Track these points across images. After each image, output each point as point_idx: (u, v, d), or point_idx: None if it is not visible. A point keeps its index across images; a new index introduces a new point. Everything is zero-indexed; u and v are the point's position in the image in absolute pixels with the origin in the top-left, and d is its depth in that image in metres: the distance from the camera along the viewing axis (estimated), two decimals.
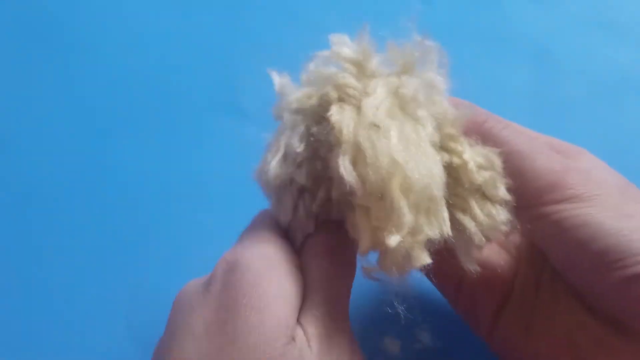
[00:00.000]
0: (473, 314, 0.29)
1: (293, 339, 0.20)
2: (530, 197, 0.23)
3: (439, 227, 0.22)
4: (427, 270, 0.25)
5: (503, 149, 0.23)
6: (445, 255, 0.24)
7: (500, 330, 0.27)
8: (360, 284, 0.32)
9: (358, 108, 0.23)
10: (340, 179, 0.21)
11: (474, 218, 0.23)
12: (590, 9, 0.45)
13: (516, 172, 0.23)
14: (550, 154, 0.24)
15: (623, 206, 0.22)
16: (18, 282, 0.35)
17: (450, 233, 0.22)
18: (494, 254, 0.28)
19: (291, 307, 0.21)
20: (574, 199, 0.22)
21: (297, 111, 0.24)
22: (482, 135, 0.24)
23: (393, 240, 0.21)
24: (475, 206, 0.23)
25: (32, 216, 0.38)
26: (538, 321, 0.26)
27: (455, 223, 0.23)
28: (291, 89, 0.25)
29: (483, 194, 0.24)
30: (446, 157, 0.23)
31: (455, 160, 0.23)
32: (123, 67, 0.44)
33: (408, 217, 0.21)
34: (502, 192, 0.23)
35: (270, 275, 0.21)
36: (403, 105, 0.23)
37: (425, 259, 0.22)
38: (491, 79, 0.42)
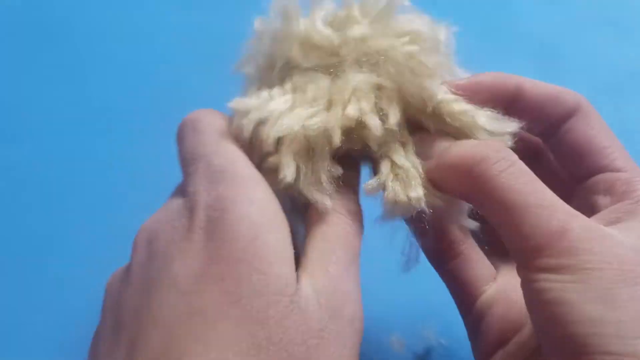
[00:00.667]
0: (474, 337, 0.26)
1: (299, 297, 0.18)
2: (518, 258, 0.20)
3: None
4: (419, 231, 0.25)
5: (494, 197, 0.20)
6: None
7: None
8: (367, 283, 0.33)
9: None
10: None
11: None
12: (596, 7, 0.45)
13: (509, 227, 0.20)
14: (551, 207, 0.20)
15: (616, 290, 0.18)
16: (18, 281, 0.36)
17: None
18: (517, 287, 0.25)
19: (291, 263, 0.19)
20: (559, 271, 0.19)
21: None
22: (473, 179, 0.21)
23: None
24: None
25: (36, 213, 0.38)
26: None
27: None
28: None
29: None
30: None
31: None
32: (125, 65, 0.44)
33: None
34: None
35: (268, 228, 0.19)
36: None
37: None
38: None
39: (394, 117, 0.22)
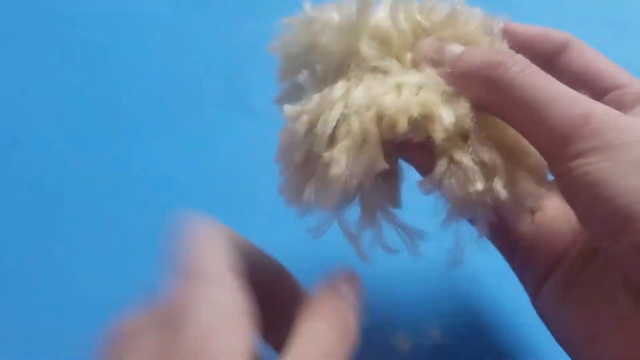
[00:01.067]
0: (523, 274, 0.27)
1: None
2: (547, 153, 0.21)
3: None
4: (485, 225, 0.25)
5: (515, 97, 0.21)
6: (502, 213, 0.24)
7: (543, 294, 0.26)
8: (372, 282, 0.33)
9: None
10: None
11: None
12: (596, 6, 0.45)
13: (534, 124, 0.21)
14: (572, 97, 0.21)
15: None
16: (21, 281, 0.36)
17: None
18: (555, 217, 0.26)
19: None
20: (589, 153, 0.19)
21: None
22: (492, 84, 0.21)
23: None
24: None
25: (44, 213, 0.38)
26: (577, 290, 0.24)
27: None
28: None
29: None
30: None
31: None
32: (134, 66, 0.44)
33: None
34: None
35: (223, 329, 0.18)
36: None
37: None
38: None
39: (464, 109, 0.22)
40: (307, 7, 0.25)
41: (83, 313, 0.34)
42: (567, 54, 0.26)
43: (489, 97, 0.22)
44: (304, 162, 0.23)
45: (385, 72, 0.23)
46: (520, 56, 0.22)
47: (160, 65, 0.44)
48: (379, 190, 0.24)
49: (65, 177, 0.39)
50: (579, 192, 0.20)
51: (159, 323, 0.18)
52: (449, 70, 0.23)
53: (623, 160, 0.19)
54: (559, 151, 0.20)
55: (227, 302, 0.19)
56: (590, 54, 0.27)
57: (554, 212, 0.26)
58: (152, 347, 0.18)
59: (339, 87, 0.22)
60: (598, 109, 0.20)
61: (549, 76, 0.21)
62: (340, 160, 0.21)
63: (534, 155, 0.23)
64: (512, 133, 0.23)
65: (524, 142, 0.23)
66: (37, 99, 0.43)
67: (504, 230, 0.27)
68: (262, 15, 0.45)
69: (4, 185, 0.39)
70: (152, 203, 0.38)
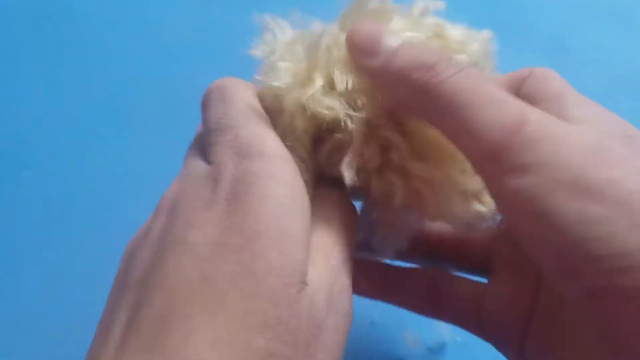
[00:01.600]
0: (501, 349, 0.25)
1: (306, 284, 0.18)
2: (479, 167, 0.19)
3: None
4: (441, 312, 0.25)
5: (443, 103, 0.18)
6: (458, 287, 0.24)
7: (529, 349, 0.23)
8: None
9: None
10: None
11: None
12: (605, 1, 0.45)
13: (463, 133, 0.18)
14: (504, 102, 0.18)
15: (588, 175, 0.16)
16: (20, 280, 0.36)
17: None
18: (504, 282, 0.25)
19: (308, 249, 0.18)
20: (526, 170, 0.17)
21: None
22: (422, 88, 0.19)
23: None
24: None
25: (47, 212, 0.38)
26: (557, 346, 0.22)
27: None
28: None
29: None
30: None
31: None
32: (133, 65, 0.44)
33: None
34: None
35: (293, 210, 0.18)
36: None
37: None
38: (506, 71, 0.42)
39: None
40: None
41: (83, 313, 0.34)
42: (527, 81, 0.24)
43: (416, 103, 0.20)
44: None
45: None
46: (456, 59, 0.20)
47: (159, 65, 0.44)
48: None
49: (66, 176, 0.40)
50: (521, 218, 0.17)
51: (227, 199, 0.18)
52: (379, 65, 0.20)
53: (560, 182, 0.16)
54: (490, 165, 0.18)
55: (294, 182, 0.19)
56: (549, 81, 0.23)
57: (503, 278, 0.24)
58: (220, 223, 0.17)
59: None
60: (532, 115, 0.18)
61: (483, 79, 0.19)
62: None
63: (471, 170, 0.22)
64: (444, 143, 0.21)
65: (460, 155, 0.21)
66: (38, 99, 0.43)
67: (465, 311, 0.25)
68: (263, 12, 0.45)
69: (6, 186, 0.39)
70: (151, 202, 0.38)
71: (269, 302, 0.16)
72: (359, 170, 0.21)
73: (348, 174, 0.21)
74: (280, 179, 0.18)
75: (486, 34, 0.24)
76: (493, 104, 0.18)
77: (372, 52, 0.20)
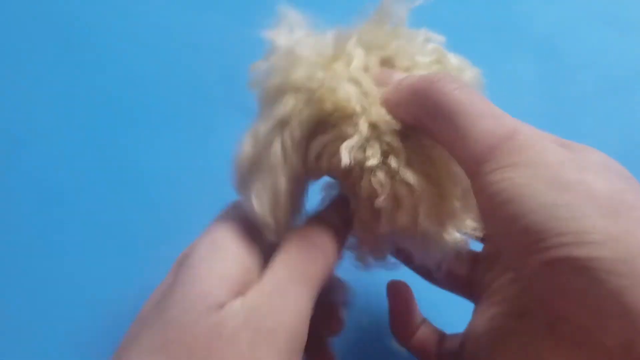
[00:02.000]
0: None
1: (223, 309, 0.20)
2: (471, 166, 0.21)
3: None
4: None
5: (448, 110, 0.21)
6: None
7: None
8: (367, 286, 0.33)
9: None
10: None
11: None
12: (598, 4, 0.45)
13: (463, 137, 0.21)
14: (502, 116, 0.21)
15: (564, 175, 0.19)
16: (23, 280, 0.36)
17: None
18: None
19: (224, 282, 0.21)
20: (509, 168, 0.19)
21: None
22: (428, 97, 0.22)
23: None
24: None
25: (44, 212, 0.38)
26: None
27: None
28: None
29: None
30: None
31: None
32: (133, 65, 0.44)
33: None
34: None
35: (210, 257, 0.22)
36: None
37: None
38: (499, 74, 0.42)
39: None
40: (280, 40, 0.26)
41: (82, 312, 0.34)
42: None
43: (424, 107, 0.22)
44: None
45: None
46: (458, 77, 0.23)
47: (159, 65, 0.44)
48: None
49: (65, 175, 0.40)
50: (494, 208, 0.20)
51: (176, 268, 0.23)
52: (393, 88, 0.24)
53: (540, 177, 0.19)
54: (481, 164, 0.20)
55: (218, 238, 0.23)
56: None
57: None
58: (165, 280, 0.23)
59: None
60: (525, 128, 0.21)
61: (483, 97, 0.22)
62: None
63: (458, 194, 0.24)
64: (441, 163, 0.24)
65: (452, 171, 0.24)
66: (37, 98, 0.43)
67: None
68: (260, 14, 0.45)
69: (4, 185, 0.39)
70: (149, 201, 0.38)
71: (171, 328, 0.20)
72: (354, 166, 0.23)
73: (345, 156, 0.23)
74: (208, 243, 0.23)
75: (476, 70, 0.27)
76: (491, 116, 0.21)
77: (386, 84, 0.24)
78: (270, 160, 0.23)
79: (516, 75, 0.42)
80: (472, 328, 0.27)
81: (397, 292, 0.30)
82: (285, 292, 0.21)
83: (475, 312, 0.28)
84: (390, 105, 0.24)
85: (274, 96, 0.24)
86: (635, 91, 0.41)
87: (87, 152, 0.40)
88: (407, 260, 0.29)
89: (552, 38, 0.43)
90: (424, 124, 0.23)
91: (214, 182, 0.38)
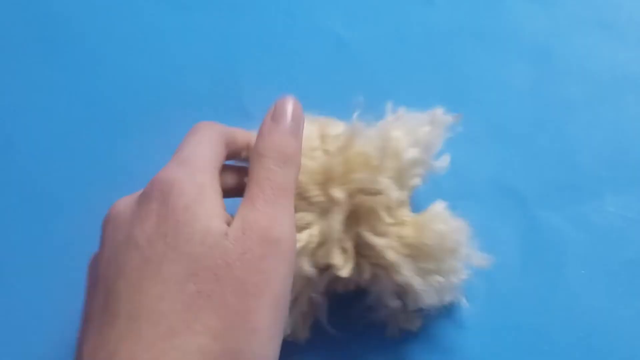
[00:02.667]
0: None
1: (226, 233, 0.23)
2: None
3: None
4: None
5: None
6: None
7: None
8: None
9: None
10: None
11: None
12: (589, 9, 0.45)
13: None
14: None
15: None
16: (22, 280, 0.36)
17: None
18: None
19: (220, 219, 0.24)
20: None
21: None
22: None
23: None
24: None
25: (38, 215, 0.38)
26: None
27: None
28: None
29: None
30: None
31: None
32: (126, 67, 0.44)
33: None
34: None
35: (202, 201, 0.24)
36: None
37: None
38: (491, 78, 0.43)
39: None
40: None
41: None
42: None
43: None
44: None
45: None
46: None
47: (153, 67, 0.44)
48: None
49: (58, 178, 0.40)
50: None
51: (157, 198, 0.24)
52: None
53: None
54: None
55: (206, 182, 0.25)
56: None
57: None
58: (152, 218, 0.24)
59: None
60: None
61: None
62: None
63: None
64: None
65: None
66: (31, 100, 0.43)
67: None
68: (255, 17, 0.46)
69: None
70: None
71: (190, 260, 0.23)
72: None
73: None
74: (192, 180, 0.25)
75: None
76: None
77: None
78: None
79: (508, 80, 0.42)
80: None
81: None
82: (276, 208, 0.24)
83: None
84: None
85: None
86: (625, 96, 0.42)
87: (78, 154, 0.40)
88: None
89: (544, 43, 0.44)
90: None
91: None
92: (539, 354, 0.32)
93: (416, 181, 0.31)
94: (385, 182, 0.29)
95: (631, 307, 0.33)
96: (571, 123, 0.40)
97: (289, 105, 0.27)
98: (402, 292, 0.29)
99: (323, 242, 0.28)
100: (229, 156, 0.30)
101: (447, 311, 0.33)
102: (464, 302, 0.32)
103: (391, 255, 0.28)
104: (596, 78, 0.42)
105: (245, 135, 0.31)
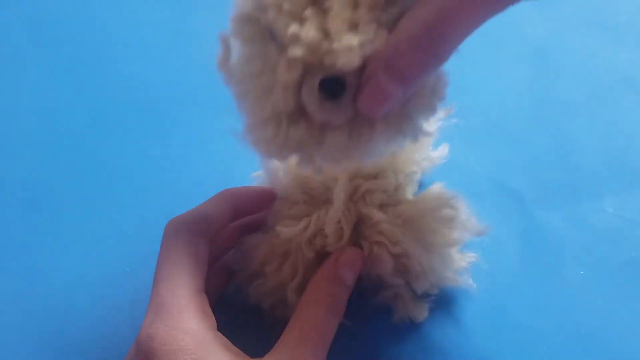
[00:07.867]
0: None
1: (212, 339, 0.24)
2: None
3: None
4: None
5: None
6: None
7: None
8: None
9: None
10: None
11: None
12: (589, 11, 0.45)
13: None
14: None
15: None
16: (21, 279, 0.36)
17: None
18: None
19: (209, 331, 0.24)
20: None
21: None
22: None
23: None
24: None
25: (36, 215, 0.38)
26: None
27: None
28: None
29: None
30: None
31: None
32: (127, 67, 0.44)
33: None
34: None
35: (185, 318, 0.25)
36: None
37: None
38: (490, 79, 0.43)
39: None
40: None
41: (77, 314, 0.34)
42: None
43: None
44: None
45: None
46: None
47: (153, 67, 0.44)
48: None
49: (57, 178, 0.40)
50: None
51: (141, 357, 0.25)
52: None
53: None
54: None
55: (189, 329, 0.24)
56: None
57: None
58: None
59: None
60: None
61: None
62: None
63: None
64: None
65: None
66: (30, 101, 0.43)
67: None
68: None
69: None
70: (144, 204, 0.38)
71: None
72: None
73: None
74: (185, 331, 0.24)
75: None
76: None
77: None
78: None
79: (507, 81, 0.42)
80: None
81: None
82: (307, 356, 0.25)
83: None
84: None
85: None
86: (624, 97, 0.42)
87: (78, 154, 0.40)
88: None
89: (543, 45, 0.44)
90: None
91: (208, 183, 0.39)
92: (538, 354, 0.32)
93: (411, 166, 0.32)
94: (381, 165, 0.29)
95: (630, 307, 0.33)
96: (570, 123, 0.40)
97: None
98: (404, 270, 0.30)
99: (322, 228, 0.29)
100: (238, 216, 0.31)
101: (447, 311, 0.33)
102: (470, 283, 0.32)
103: (388, 227, 0.29)
104: (595, 79, 0.43)
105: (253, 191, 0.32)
